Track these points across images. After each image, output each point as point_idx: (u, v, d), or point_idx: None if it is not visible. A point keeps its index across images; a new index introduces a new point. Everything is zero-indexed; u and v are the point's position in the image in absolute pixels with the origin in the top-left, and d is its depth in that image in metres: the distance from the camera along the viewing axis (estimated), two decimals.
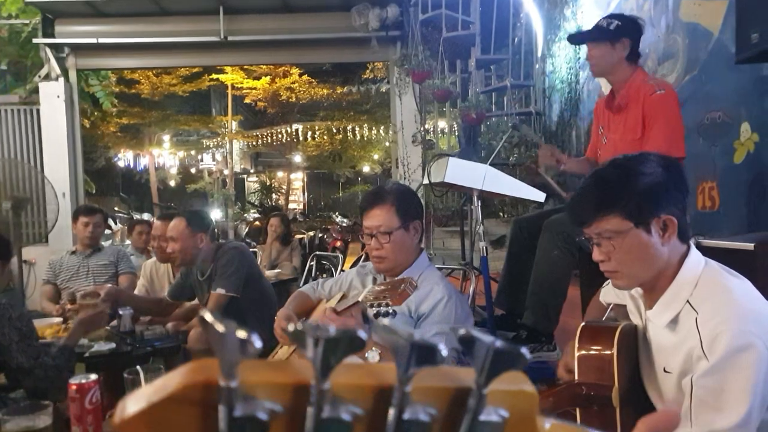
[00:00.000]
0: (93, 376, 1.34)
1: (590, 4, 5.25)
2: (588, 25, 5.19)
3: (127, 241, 5.38)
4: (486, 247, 2.50)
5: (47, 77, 6.35)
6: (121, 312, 2.82)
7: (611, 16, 2.46)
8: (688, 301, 1.19)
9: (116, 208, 11.96)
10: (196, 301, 3.15)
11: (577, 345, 1.31)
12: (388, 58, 6.31)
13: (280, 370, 0.34)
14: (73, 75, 6.54)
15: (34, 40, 6.33)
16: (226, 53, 6.59)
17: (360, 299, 1.62)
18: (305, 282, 4.93)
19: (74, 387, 1.30)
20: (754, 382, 1.05)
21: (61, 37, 6.37)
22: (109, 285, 3.16)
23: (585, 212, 1.25)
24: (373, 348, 1.68)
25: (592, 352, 1.29)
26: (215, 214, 18.67)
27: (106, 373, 2.77)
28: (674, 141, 2.31)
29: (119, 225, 9.65)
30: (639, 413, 1.34)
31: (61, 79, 6.34)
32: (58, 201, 5.51)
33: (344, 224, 8.83)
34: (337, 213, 10.03)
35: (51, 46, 6.32)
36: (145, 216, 10.56)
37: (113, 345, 2.58)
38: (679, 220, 1.21)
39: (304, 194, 22.59)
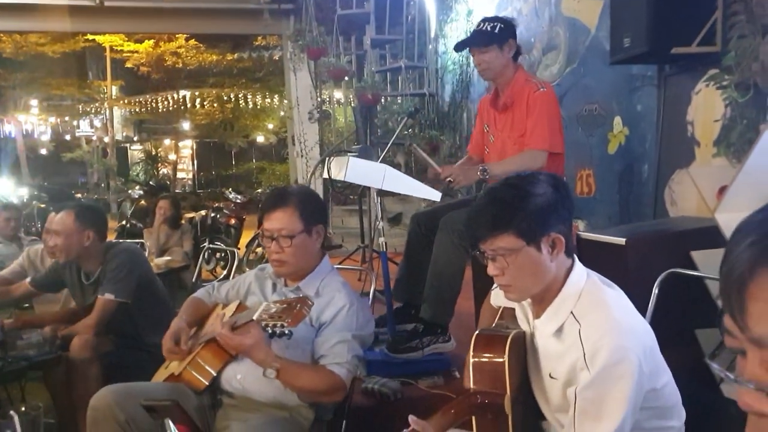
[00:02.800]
0: None
1: None
2: (480, 8, 5.33)
3: None
4: (385, 243, 2.54)
5: None
6: None
7: (491, 20, 2.53)
8: (572, 312, 1.30)
9: None
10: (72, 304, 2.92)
11: (471, 353, 1.38)
12: (281, 32, 6.13)
13: None
14: None
15: None
16: (101, 19, 6.05)
17: (255, 318, 1.59)
18: (198, 269, 4.75)
19: None
20: (628, 392, 1.17)
21: None
22: None
23: (481, 230, 1.31)
24: (273, 363, 1.67)
25: (485, 359, 1.36)
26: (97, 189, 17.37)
27: None
28: (555, 138, 2.46)
29: None
30: (529, 417, 1.45)
31: None
32: None
33: (238, 200, 8.54)
34: (230, 189, 9.66)
35: None
36: (13, 197, 9.54)
37: None
38: (566, 237, 1.31)
39: (193, 164, 21.54)
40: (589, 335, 1.23)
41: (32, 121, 17.69)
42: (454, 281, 2.36)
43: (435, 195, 2.37)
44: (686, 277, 2.01)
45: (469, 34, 2.75)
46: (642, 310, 1.86)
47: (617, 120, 3.43)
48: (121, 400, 1.64)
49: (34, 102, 17.53)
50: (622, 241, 2.26)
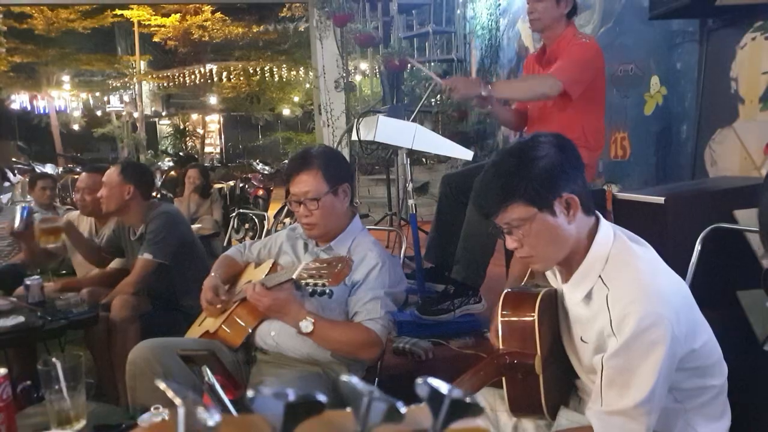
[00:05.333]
0: (2, 371, 1.25)
1: None
2: None
3: (29, 197, 4.99)
4: (414, 205, 2.52)
5: None
6: (27, 282, 2.62)
7: None
8: (600, 276, 1.24)
9: (14, 159, 10.97)
10: (115, 264, 2.99)
11: (500, 312, 1.35)
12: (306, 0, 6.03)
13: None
14: None
15: None
16: None
17: (294, 276, 1.59)
18: (228, 238, 4.81)
19: None
20: (659, 360, 1.12)
21: None
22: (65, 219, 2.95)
23: (490, 204, 1.26)
24: (307, 317, 1.68)
25: (515, 319, 1.32)
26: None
27: (15, 351, 2.62)
28: (574, 81, 2.31)
29: (18, 177, 8.88)
30: (561, 377, 1.42)
31: None
32: None
33: (266, 172, 8.59)
34: (257, 160, 9.72)
35: None
36: (48, 168, 9.77)
37: (21, 319, 2.39)
38: (581, 196, 1.24)
39: (220, 138, 21.71)
40: (617, 300, 1.18)
41: (64, 97, 18.01)
42: (487, 243, 2.33)
43: (467, 154, 2.33)
44: (730, 235, 1.94)
45: None
46: (681, 272, 1.81)
47: (654, 80, 3.31)
48: (159, 353, 1.67)
49: (65, 78, 17.80)
50: (660, 200, 2.18)
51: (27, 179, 6.54)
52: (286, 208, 5.90)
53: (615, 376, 1.15)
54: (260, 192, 7.41)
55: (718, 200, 2.21)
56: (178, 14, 15.27)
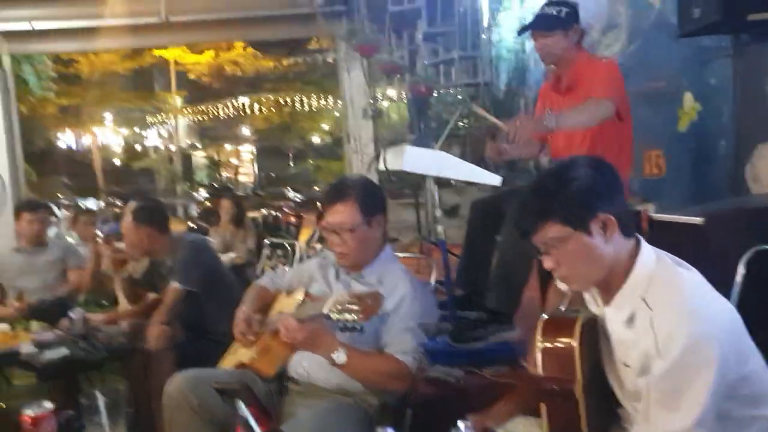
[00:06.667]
0: (48, 405, 1.28)
1: None
2: None
3: (74, 233, 5.17)
4: (444, 231, 2.50)
5: None
6: (72, 315, 2.70)
7: (556, 2, 2.42)
8: (643, 299, 1.22)
9: (59, 195, 11.45)
10: (153, 296, 3.05)
11: (539, 338, 1.33)
12: (334, 33, 6.19)
13: None
14: (7, 61, 6.19)
15: None
16: (168, 33, 6.34)
17: (324, 311, 1.59)
18: (261, 267, 4.85)
19: (29, 420, 1.24)
20: (708, 382, 1.09)
21: None
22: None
23: (527, 223, 1.28)
24: (339, 349, 1.67)
25: (555, 345, 1.30)
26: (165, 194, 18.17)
27: (58, 382, 2.69)
28: (621, 98, 2.32)
29: (63, 212, 9.26)
30: (603, 404, 1.38)
31: None
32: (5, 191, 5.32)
33: (297, 200, 8.73)
34: (289, 188, 9.91)
35: None
36: (90, 202, 10.14)
37: (66, 351, 2.46)
38: (618, 217, 1.24)
39: (253, 167, 22.22)
40: (663, 323, 1.16)
41: (106, 134, 18.79)
42: (523, 271, 2.30)
43: (495, 180, 2.32)
44: None
45: (528, 20, 2.66)
46: (726, 295, 1.74)
47: (688, 96, 3.24)
48: (193, 385, 1.69)
49: (107, 115, 18.59)
50: (699, 220, 2.11)
51: (71, 215, 6.83)
52: (317, 234, 5.97)
53: (663, 398, 1.12)
54: (292, 219, 7.53)
55: (761, 219, 2.13)
56: (212, 51, 15.82)
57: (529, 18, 5.14)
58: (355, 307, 1.52)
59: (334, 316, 1.55)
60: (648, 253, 1.27)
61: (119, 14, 5.92)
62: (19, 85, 6.99)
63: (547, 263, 1.28)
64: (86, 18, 5.96)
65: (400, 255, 2.33)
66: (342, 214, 1.79)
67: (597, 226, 1.22)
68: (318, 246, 6.42)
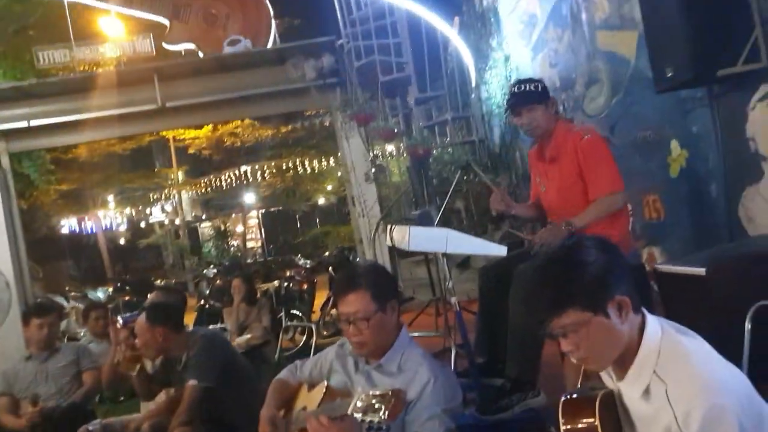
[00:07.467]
0: None
1: (514, 35, 5.49)
2: (516, 52, 5.42)
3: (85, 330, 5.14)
4: (459, 302, 2.56)
5: None
6: (90, 428, 2.69)
7: (527, 81, 2.61)
8: (655, 371, 1.26)
9: (67, 288, 11.49)
10: (173, 392, 3.06)
11: (561, 420, 1.37)
12: (329, 105, 6.39)
13: None
14: (5, 161, 6.31)
15: None
16: (165, 118, 6.52)
17: (349, 412, 1.62)
18: (279, 345, 4.82)
19: None
20: None
21: None
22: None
23: (542, 314, 1.30)
24: None
25: (578, 426, 1.34)
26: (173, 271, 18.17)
27: None
28: (614, 178, 2.46)
29: (72, 303, 9.24)
30: None
31: None
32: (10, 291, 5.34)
33: (308, 265, 8.77)
34: (299, 255, 10.00)
35: None
36: (100, 293, 10.18)
37: None
38: (630, 296, 1.28)
39: (260, 233, 22.32)
40: (678, 396, 1.19)
41: (110, 215, 19.00)
42: (536, 336, 2.32)
43: (501, 250, 2.39)
44: None
45: (510, 84, 2.81)
46: (733, 348, 1.77)
47: (674, 143, 3.37)
48: None
49: (109, 197, 18.85)
50: (701, 271, 2.17)
51: (81, 308, 6.78)
52: (332, 300, 5.96)
53: None
54: (305, 286, 7.52)
55: (762, 265, 2.19)
56: (210, 125, 16.20)
57: (515, 74, 5.39)
58: (378, 406, 1.54)
59: (360, 417, 1.56)
60: (653, 326, 1.30)
61: (115, 105, 6.12)
62: (18, 179, 7.09)
63: (566, 346, 1.30)
64: (83, 112, 6.15)
65: (416, 334, 2.38)
66: (355, 303, 1.80)
67: (614, 307, 1.26)
68: (334, 312, 6.42)
